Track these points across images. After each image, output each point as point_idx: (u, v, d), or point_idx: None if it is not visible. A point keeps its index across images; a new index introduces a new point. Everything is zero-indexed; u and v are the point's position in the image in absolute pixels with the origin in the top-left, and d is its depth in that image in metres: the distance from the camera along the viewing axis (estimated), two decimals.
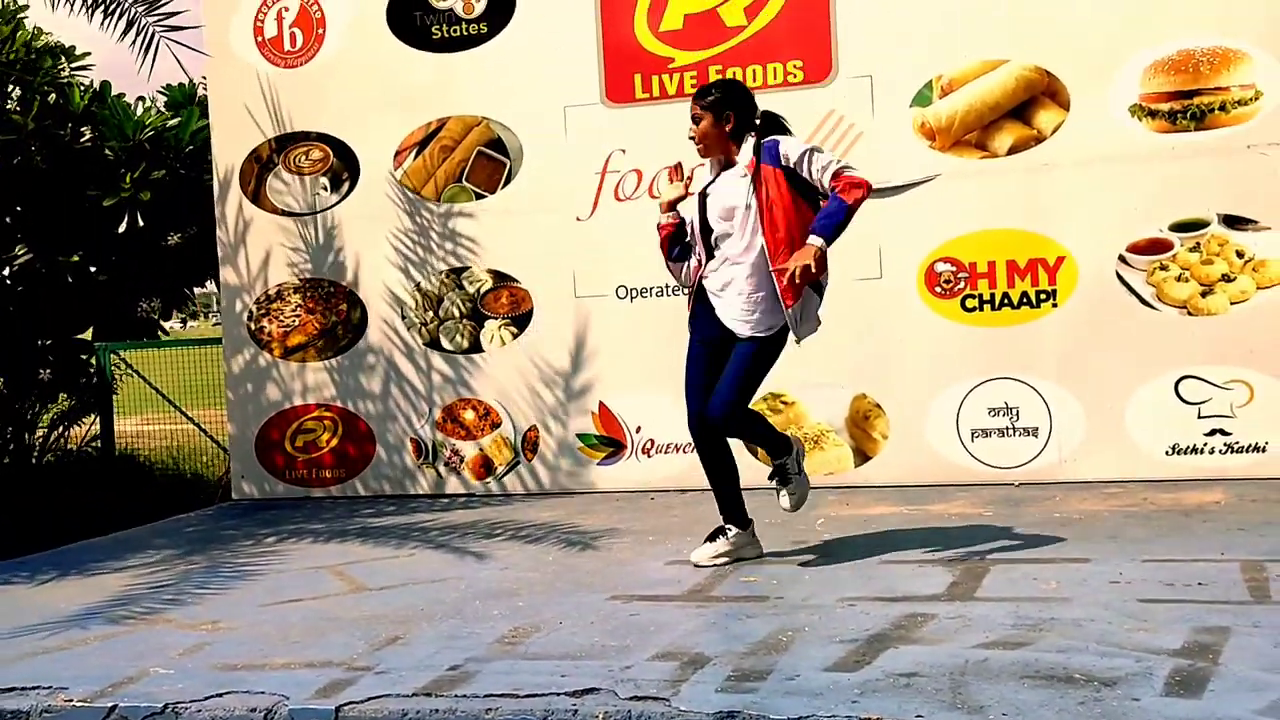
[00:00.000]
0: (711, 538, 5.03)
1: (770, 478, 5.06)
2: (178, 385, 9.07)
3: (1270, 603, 4.00)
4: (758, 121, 4.87)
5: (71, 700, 3.70)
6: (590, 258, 6.99)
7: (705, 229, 4.89)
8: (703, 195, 4.90)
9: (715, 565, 4.95)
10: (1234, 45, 6.11)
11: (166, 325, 10.19)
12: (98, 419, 9.00)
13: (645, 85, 6.87)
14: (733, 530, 5.01)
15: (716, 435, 4.93)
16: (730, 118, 4.79)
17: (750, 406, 4.97)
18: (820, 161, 4.69)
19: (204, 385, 9.04)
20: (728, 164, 4.87)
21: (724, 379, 4.80)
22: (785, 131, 4.89)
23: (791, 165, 4.70)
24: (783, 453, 5.00)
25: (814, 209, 4.73)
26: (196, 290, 10.39)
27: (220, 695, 3.63)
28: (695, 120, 4.84)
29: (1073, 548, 4.94)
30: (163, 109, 8.66)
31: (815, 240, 4.61)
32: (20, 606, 5.01)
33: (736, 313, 4.82)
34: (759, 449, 5.79)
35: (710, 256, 4.89)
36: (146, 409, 9.55)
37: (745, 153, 4.80)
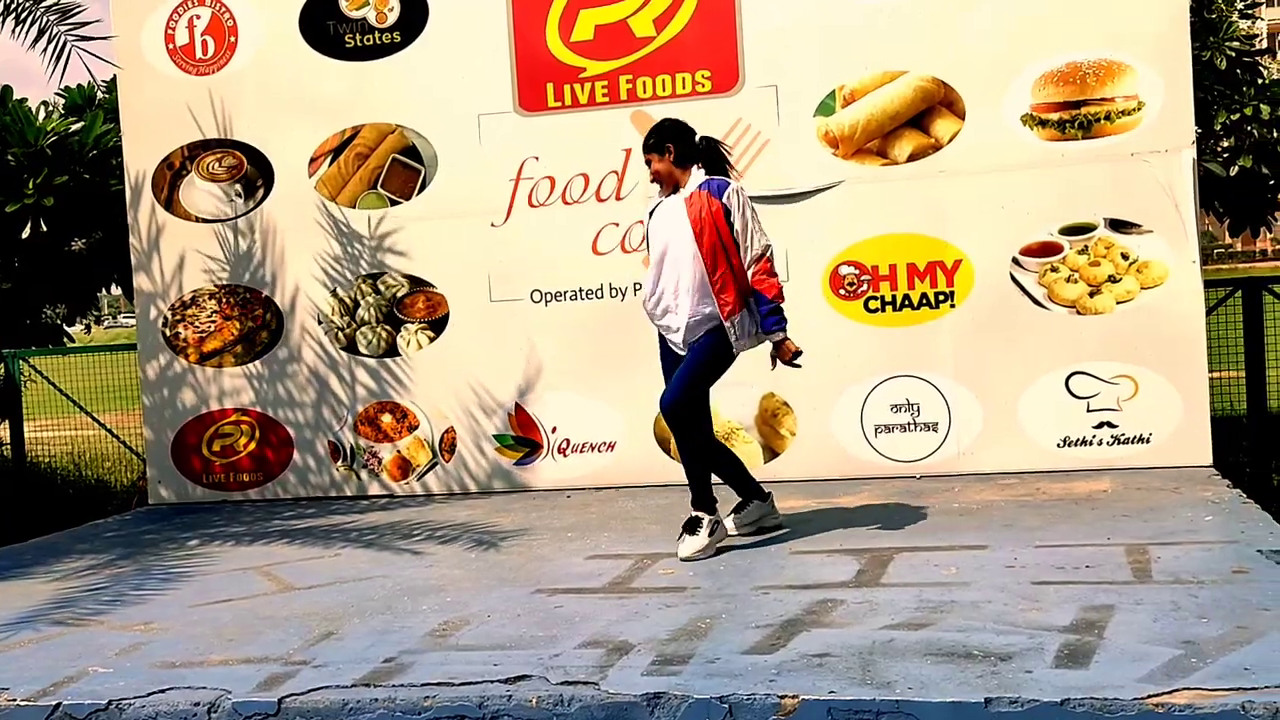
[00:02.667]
0: (691, 530, 5.19)
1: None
2: (84, 391, 9.02)
3: (1152, 582, 4.29)
4: (700, 146, 5.29)
5: (15, 700, 3.76)
6: (505, 263, 7.12)
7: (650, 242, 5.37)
8: (650, 213, 5.40)
9: (705, 557, 5.10)
10: (1118, 58, 6.43)
11: (71, 331, 10.10)
12: (5, 425, 8.92)
13: (558, 94, 7.03)
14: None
15: (679, 426, 5.17)
16: (671, 149, 5.22)
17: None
18: (746, 239, 5.13)
19: (111, 390, 9.00)
20: (676, 188, 5.27)
21: (675, 375, 5.18)
22: (724, 158, 5.36)
23: (729, 211, 5.12)
24: (751, 496, 5.50)
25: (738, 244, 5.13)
26: (102, 295, 10.30)
27: (163, 691, 3.73)
28: (649, 165, 5.31)
29: (971, 535, 5.21)
30: (60, 111, 8.58)
31: (776, 336, 5.14)
32: None
33: (679, 328, 5.19)
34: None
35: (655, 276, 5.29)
36: (49, 414, 9.47)
37: (693, 180, 5.23)
